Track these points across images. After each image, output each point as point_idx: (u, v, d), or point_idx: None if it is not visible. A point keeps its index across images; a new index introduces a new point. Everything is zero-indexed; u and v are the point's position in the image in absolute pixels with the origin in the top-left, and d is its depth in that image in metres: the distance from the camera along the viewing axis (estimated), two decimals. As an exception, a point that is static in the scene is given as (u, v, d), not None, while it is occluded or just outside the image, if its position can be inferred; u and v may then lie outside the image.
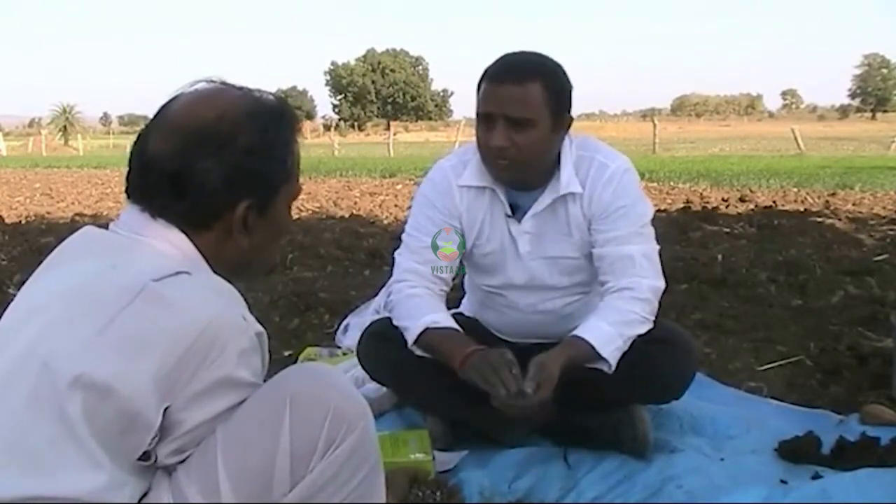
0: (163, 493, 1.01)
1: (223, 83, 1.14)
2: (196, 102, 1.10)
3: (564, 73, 1.76)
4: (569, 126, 1.79)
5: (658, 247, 1.85)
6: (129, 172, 1.10)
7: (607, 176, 1.79)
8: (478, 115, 1.75)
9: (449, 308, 1.96)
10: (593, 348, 1.70)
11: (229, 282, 1.10)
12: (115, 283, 1.00)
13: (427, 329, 1.79)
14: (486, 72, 1.74)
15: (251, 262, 1.18)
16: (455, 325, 1.83)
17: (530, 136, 1.70)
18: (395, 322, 1.88)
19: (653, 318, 1.79)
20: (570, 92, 1.77)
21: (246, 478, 1.01)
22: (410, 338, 1.81)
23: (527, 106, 1.68)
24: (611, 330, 1.72)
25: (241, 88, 1.14)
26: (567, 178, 1.79)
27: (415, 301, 1.85)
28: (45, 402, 0.93)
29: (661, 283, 1.82)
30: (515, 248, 1.87)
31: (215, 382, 1.00)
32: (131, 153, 1.10)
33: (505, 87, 1.69)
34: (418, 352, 1.82)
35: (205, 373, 0.98)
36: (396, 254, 1.94)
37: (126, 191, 1.11)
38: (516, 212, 1.86)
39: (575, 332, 1.73)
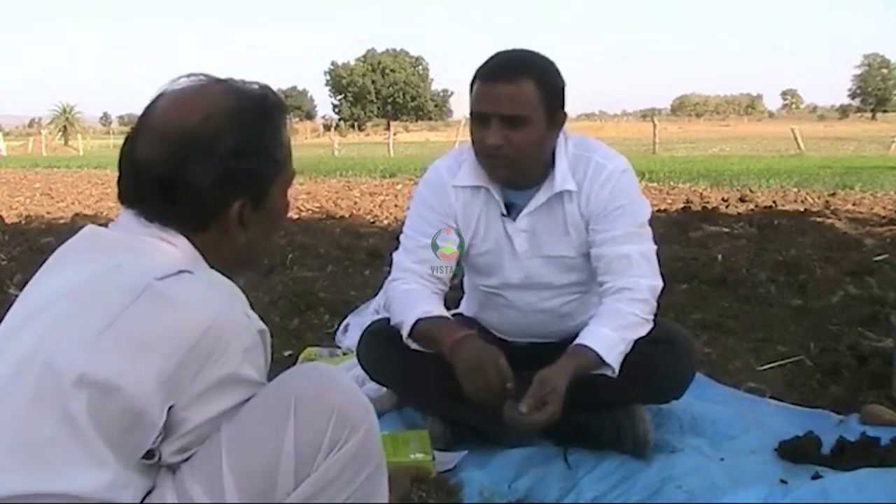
0: (167, 491, 1.02)
1: (205, 77, 1.12)
2: (179, 104, 1.08)
3: (557, 70, 1.76)
4: (562, 123, 1.79)
5: (656, 247, 1.85)
6: (119, 177, 1.10)
7: (605, 176, 1.79)
8: (472, 114, 1.75)
9: (449, 308, 1.96)
10: (598, 356, 1.69)
11: (229, 278, 1.10)
12: (119, 282, 1.00)
13: (419, 320, 1.79)
14: (478, 71, 1.73)
15: (250, 255, 1.18)
16: (447, 315, 1.83)
17: (525, 133, 1.70)
18: (391, 318, 1.88)
19: (652, 317, 1.80)
20: (563, 89, 1.77)
21: (250, 477, 1.02)
22: (405, 331, 1.81)
23: (521, 104, 1.68)
24: (613, 335, 1.72)
25: (224, 82, 1.12)
26: (562, 176, 1.79)
27: (408, 295, 1.85)
28: (49, 400, 0.93)
29: (660, 283, 1.82)
30: (511, 247, 1.87)
31: (220, 380, 1.00)
32: (120, 157, 1.09)
33: (498, 86, 1.69)
34: (413, 345, 1.81)
35: (209, 371, 0.99)
36: (394, 254, 1.95)
37: (119, 196, 1.10)
38: (511, 210, 1.86)
39: (578, 341, 1.73)
